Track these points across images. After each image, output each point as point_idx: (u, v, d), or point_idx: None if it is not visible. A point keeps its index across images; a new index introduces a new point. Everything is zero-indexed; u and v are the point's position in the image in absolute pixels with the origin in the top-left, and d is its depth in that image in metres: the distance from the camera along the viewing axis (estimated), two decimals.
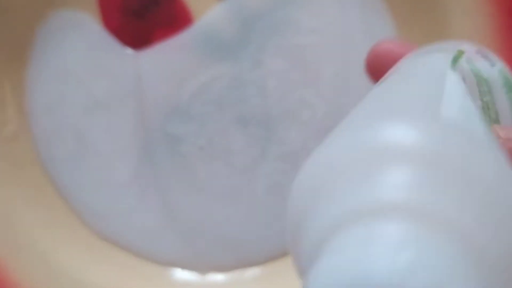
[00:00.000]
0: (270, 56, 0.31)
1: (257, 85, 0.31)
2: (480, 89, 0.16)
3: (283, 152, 0.31)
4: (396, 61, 0.17)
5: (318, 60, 0.31)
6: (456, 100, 0.14)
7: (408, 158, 0.11)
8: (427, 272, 0.10)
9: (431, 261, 0.10)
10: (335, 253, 0.11)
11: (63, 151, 0.33)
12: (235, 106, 0.32)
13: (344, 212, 0.11)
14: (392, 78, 0.16)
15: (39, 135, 0.33)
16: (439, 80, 0.15)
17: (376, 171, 0.11)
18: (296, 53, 0.31)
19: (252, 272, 0.32)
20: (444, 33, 0.30)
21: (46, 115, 0.33)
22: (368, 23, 0.31)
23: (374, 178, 0.11)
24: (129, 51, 0.32)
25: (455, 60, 0.16)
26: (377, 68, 0.18)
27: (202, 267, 0.32)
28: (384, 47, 0.19)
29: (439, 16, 0.29)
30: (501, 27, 0.29)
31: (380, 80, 0.16)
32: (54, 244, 0.32)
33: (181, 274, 0.32)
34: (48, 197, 0.33)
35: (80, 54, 0.33)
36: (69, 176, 0.33)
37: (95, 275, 0.32)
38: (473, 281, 0.10)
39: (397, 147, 0.11)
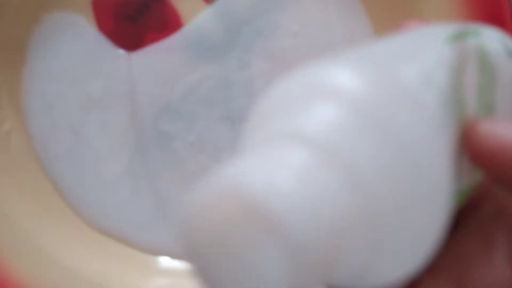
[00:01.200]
0: (255, 58, 0.33)
1: (244, 85, 0.33)
2: (483, 74, 0.16)
3: None
4: None
5: (300, 61, 0.32)
6: (423, 67, 0.14)
7: (339, 99, 0.12)
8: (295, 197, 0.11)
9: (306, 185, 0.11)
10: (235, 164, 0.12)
11: (59, 147, 0.34)
12: (222, 104, 0.33)
13: (269, 133, 0.13)
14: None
15: (36, 132, 0.34)
16: (421, 45, 0.15)
17: (307, 104, 0.13)
18: (280, 55, 0.32)
19: None
20: None
21: (42, 113, 0.34)
22: (348, 25, 0.32)
23: (303, 109, 0.12)
24: (122, 52, 0.34)
25: (458, 36, 0.16)
26: None
27: None
28: (411, 26, 0.18)
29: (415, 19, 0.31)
30: None
31: None
32: (50, 236, 0.33)
33: (170, 263, 0.33)
34: (44, 191, 0.34)
35: (75, 54, 0.34)
36: (65, 170, 0.34)
37: (89, 264, 0.33)
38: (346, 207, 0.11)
39: (335, 86, 0.13)
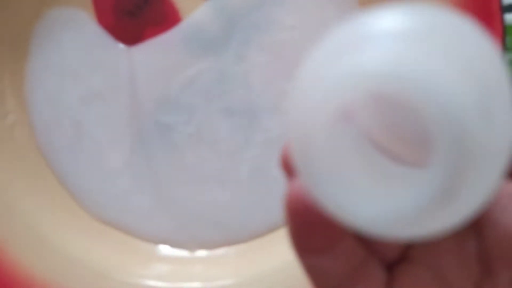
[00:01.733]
0: (252, 51, 0.33)
1: (241, 78, 0.33)
2: None
3: (264, 139, 0.34)
4: None
5: (296, 54, 0.33)
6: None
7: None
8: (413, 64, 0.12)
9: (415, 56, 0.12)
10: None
11: (61, 139, 0.35)
12: (221, 97, 0.34)
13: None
14: None
15: (38, 124, 0.35)
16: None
17: (370, 40, 0.13)
18: (277, 48, 0.33)
19: (236, 249, 0.34)
20: None
21: (45, 105, 0.35)
22: (343, 19, 0.33)
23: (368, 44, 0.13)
24: (122, 46, 0.34)
25: None
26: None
27: (190, 245, 0.34)
28: None
29: None
30: None
31: None
32: (52, 225, 0.34)
33: (171, 251, 0.34)
34: (47, 181, 0.34)
35: (77, 49, 0.34)
36: (67, 162, 0.34)
37: (91, 253, 0.33)
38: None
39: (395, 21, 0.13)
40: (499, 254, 0.16)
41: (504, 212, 0.16)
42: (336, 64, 0.13)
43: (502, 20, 0.30)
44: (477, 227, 0.16)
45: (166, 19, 0.34)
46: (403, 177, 0.13)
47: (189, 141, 0.34)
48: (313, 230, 0.16)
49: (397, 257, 0.18)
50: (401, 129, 0.13)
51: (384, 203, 0.13)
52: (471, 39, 0.13)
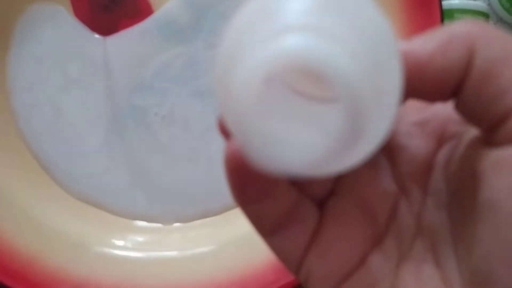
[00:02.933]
0: (220, 39, 0.36)
1: (210, 63, 0.36)
2: None
3: None
4: None
5: None
6: None
7: None
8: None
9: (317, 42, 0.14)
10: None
11: (41, 123, 0.36)
12: (191, 81, 0.36)
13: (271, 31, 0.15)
14: None
15: (20, 109, 0.36)
16: None
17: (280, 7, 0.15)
18: None
19: (207, 220, 0.36)
20: None
21: (26, 92, 0.36)
22: None
23: (279, 11, 0.15)
24: (98, 36, 0.37)
25: None
26: None
27: (165, 219, 0.36)
28: None
29: None
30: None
31: None
32: (33, 202, 0.35)
33: (146, 224, 0.36)
34: (28, 163, 0.36)
35: (55, 39, 0.36)
36: (46, 144, 0.36)
37: (70, 226, 0.35)
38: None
39: None
40: (409, 172, 0.19)
41: (408, 137, 0.19)
42: (259, 42, 0.15)
43: (440, 5, 0.34)
44: (389, 154, 0.19)
45: (140, 12, 0.37)
46: (319, 121, 0.15)
47: (162, 122, 0.36)
48: (249, 183, 0.18)
49: (325, 193, 0.20)
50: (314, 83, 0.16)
51: (304, 148, 0.15)
52: (364, 12, 0.15)
